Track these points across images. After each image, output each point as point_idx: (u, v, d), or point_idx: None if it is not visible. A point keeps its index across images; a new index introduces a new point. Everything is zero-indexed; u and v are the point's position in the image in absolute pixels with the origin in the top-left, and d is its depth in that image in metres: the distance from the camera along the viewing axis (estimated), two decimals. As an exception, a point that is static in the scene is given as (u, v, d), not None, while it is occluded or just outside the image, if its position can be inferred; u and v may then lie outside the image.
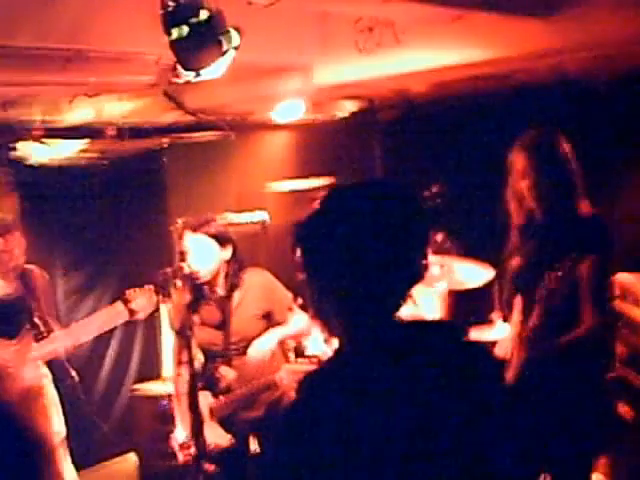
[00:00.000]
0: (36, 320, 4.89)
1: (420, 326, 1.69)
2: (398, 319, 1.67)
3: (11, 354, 4.76)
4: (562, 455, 3.31)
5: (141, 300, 4.49)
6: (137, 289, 4.52)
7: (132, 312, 4.50)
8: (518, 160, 3.52)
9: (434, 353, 1.60)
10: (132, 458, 6.13)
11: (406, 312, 1.69)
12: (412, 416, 1.53)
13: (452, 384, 1.57)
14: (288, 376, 3.91)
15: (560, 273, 3.23)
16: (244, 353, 4.04)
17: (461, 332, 1.69)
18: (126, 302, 4.50)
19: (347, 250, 1.61)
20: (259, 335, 4.07)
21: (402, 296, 1.67)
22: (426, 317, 3.81)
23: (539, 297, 3.32)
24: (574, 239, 3.36)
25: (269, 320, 4.12)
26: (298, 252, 1.69)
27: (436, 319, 1.60)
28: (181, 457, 4.04)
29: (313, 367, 3.76)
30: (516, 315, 3.62)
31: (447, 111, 6.00)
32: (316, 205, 1.69)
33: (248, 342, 4.05)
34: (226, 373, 4.06)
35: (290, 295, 4.19)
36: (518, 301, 3.61)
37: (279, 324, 4.13)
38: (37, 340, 4.85)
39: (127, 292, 4.52)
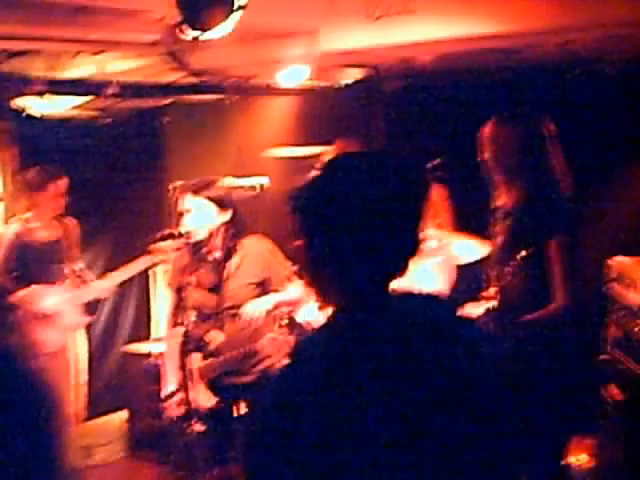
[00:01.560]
0: (75, 267, 5.04)
1: (414, 298, 1.70)
2: (393, 290, 1.67)
3: (59, 299, 4.88)
4: (538, 434, 3.34)
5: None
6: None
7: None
8: (497, 139, 3.53)
9: (426, 326, 1.61)
10: (122, 415, 6.16)
11: (401, 284, 1.69)
12: (402, 384, 1.54)
13: (442, 357, 1.58)
14: (269, 344, 3.91)
15: (525, 253, 3.25)
16: (236, 318, 4.04)
17: (453, 307, 1.69)
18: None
19: (344, 218, 1.61)
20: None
21: (398, 266, 1.68)
22: (420, 290, 3.80)
23: (502, 277, 3.36)
24: (543, 220, 3.37)
25: (264, 288, 4.12)
26: (296, 218, 1.68)
27: (430, 292, 1.60)
28: (171, 411, 4.05)
29: (292, 337, 3.79)
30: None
31: (452, 84, 5.95)
32: (316, 171, 1.68)
33: (240, 308, 4.05)
34: (215, 336, 4.07)
35: (289, 264, 4.18)
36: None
37: (275, 292, 4.14)
38: (78, 286, 5.01)
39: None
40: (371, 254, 1.62)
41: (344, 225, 1.61)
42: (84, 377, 5.34)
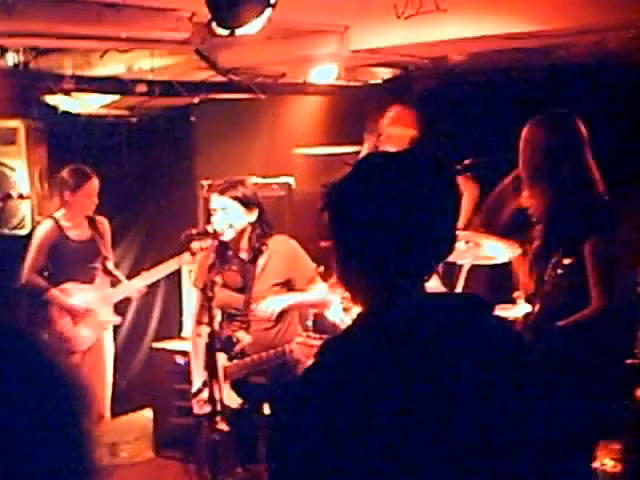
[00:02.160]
0: (107, 266, 5.09)
1: (444, 299, 1.66)
2: (423, 290, 1.66)
3: (91, 297, 4.93)
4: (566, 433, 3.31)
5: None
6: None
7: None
8: (530, 141, 3.51)
9: (457, 326, 1.58)
10: (147, 413, 6.18)
11: (429, 284, 1.67)
12: (432, 388, 1.52)
13: (474, 358, 1.55)
14: (298, 349, 3.88)
15: (560, 257, 3.23)
16: (262, 319, 4.03)
17: (486, 307, 1.66)
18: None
19: (376, 217, 1.60)
20: None
21: (429, 268, 1.66)
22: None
23: (538, 281, 3.34)
24: (578, 223, 3.35)
25: (289, 289, 4.11)
26: (327, 216, 1.66)
27: (461, 293, 1.57)
28: (196, 408, 4.05)
29: (318, 339, 3.76)
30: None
31: (483, 83, 5.89)
32: (349, 170, 1.66)
33: None
34: (242, 337, 4.06)
35: (313, 266, 4.17)
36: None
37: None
38: (110, 285, 5.06)
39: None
40: (402, 254, 1.60)
41: (375, 224, 1.59)
42: (110, 375, 5.37)
